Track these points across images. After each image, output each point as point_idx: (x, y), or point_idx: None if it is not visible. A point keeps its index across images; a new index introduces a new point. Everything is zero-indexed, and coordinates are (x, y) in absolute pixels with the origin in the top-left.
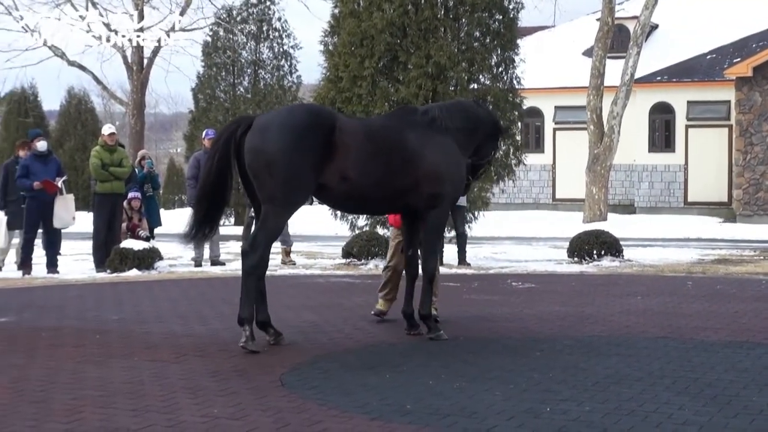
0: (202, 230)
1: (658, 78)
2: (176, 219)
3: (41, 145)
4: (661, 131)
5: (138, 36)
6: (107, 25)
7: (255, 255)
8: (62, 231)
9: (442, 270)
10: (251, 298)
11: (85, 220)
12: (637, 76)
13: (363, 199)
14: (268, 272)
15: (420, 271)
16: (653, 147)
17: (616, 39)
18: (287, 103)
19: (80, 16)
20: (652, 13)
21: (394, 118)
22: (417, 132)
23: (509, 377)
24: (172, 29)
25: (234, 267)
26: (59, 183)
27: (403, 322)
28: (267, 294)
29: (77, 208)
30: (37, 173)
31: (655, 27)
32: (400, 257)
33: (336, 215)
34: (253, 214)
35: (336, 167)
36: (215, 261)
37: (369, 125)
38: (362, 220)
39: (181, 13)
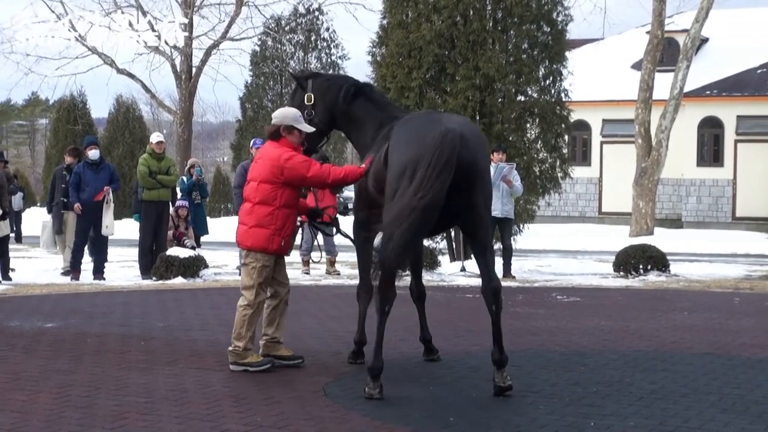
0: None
1: (708, 92)
2: (222, 227)
3: (93, 153)
4: (710, 145)
5: (186, 45)
6: (157, 34)
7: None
8: (108, 238)
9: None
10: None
11: (128, 227)
12: (686, 89)
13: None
14: (312, 282)
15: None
16: (702, 161)
17: (666, 52)
18: None
19: (130, 24)
20: (703, 26)
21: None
22: None
23: (553, 391)
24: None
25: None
26: (106, 193)
27: (445, 333)
28: (312, 304)
29: (124, 215)
30: (89, 181)
31: (705, 40)
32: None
33: None
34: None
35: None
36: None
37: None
38: None
39: (230, 23)
